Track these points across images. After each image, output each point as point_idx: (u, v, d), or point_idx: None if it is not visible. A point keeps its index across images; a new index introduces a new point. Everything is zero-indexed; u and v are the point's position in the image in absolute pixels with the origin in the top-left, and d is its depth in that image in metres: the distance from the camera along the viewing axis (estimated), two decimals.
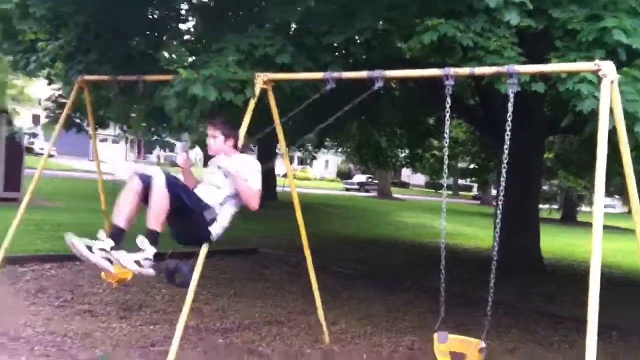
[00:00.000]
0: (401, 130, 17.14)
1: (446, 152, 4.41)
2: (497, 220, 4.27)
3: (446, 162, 4.46)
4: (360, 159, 25.18)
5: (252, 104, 5.41)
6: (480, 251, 14.55)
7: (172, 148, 51.94)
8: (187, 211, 4.19)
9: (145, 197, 4.15)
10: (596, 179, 3.63)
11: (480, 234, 18.69)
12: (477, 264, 11.33)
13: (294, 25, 7.39)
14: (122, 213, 4.18)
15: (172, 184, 4.10)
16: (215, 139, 4.62)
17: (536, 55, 5.34)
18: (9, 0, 6.74)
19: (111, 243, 4.00)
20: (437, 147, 21.00)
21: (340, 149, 34.50)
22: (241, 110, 6.07)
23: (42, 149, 48.00)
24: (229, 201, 4.53)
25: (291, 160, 9.93)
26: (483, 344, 3.85)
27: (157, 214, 4.05)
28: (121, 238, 4.17)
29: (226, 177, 4.47)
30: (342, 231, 17.19)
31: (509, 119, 4.03)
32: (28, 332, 5.32)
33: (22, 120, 41.79)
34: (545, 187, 29.60)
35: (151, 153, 61.84)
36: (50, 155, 9.00)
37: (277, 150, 30.26)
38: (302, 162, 67.46)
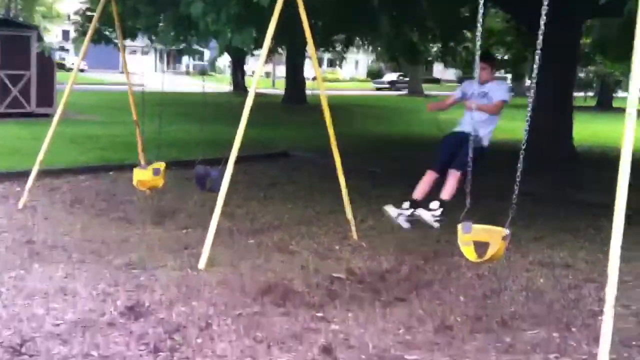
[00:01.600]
0: (433, 23, 16.56)
1: (479, 42, 4.25)
2: (528, 109, 4.15)
3: (478, 54, 4.33)
4: (391, 56, 24.68)
5: (279, 4, 5.27)
6: (513, 142, 14.36)
7: (201, 56, 51.66)
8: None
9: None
10: (633, 60, 3.47)
11: (514, 126, 18.39)
12: (508, 156, 11.19)
13: None
14: (420, 189, 5.38)
15: (463, 165, 4.66)
16: (485, 70, 5.51)
17: None
18: None
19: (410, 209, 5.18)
20: (470, 39, 20.38)
21: (370, 48, 33.79)
22: (263, 10, 5.94)
23: (73, 64, 48.28)
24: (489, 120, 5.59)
25: (320, 62, 9.77)
26: (507, 232, 3.86)
27: (452, 189, 5.14)
28: (418, 205, 5.22)
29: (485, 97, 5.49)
30: (373, 131, 17.12)
31: (545, 2, 3.81)
32: (65, 240, 5.52)
33: (52, 37, 41.95)
34: (581, 74, 28.78)
35: (180, 63, 61.61)
36: (81, 70, 8.99)
37: (305, 53, 29.86)
38: (331, 63, 66.46)
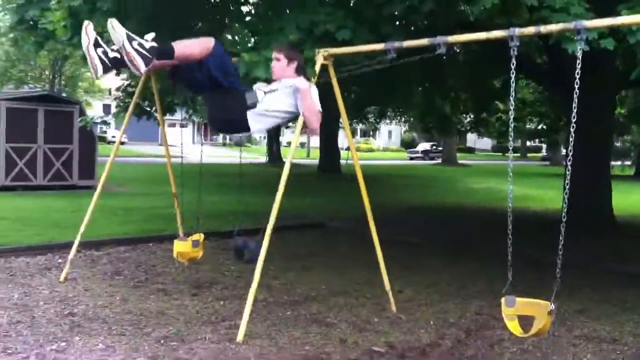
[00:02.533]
0: (465, 94, 16.78)
1: (512, 114, 4.32)
2: (566, 180, 4.14)
3: (512, 125, 4.37)
4: (424, 126, 24.92)
5: (314, 79, 5.42)
6: (550, 213, 14.20)
7: None
8: (221, 82, 4.06)
9: None
10: None
11: (550, 196, 18.25)
12: (547, 226, 11.07)
13: None
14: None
15: (220, 52, 4.03)
16: (279, 62, 4.64)
17: (605, 9, 5.12)
18: None
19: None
20: (503, 110, 20.53)
21: (403, 118, 34.18)
22: None
23: (114, 137, 49.75)
24: (276, 97, 4.50)
25: (354, 132, 9.88)
26: (552, 306, 3.78)
27: (188, 43, 3.94)
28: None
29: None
30: (407, 200, 17.09)
31: (578, 77, 3.88)
32: (106, 313, 5.55)
33: (94, 111, 43.46)
34: (617, 144, 28.55)
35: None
36: (122, 142, 9.32)
37: (339, 124, 30.30)
38: (364, 134, 67.21)
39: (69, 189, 15.38)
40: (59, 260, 7.57)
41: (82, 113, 16.23)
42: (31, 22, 8.38)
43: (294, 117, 4.87)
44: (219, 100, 4.08)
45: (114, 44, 3.73)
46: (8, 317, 5.31)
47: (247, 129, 4.29)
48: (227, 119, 4.24)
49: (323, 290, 6.69)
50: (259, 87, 4.24)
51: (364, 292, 6.63)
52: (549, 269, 4.30)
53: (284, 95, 4.55)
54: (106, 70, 3.54)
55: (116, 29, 3.46)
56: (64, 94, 35.95)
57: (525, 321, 3.95)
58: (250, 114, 4.24)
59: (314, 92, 4.57)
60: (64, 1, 7.11)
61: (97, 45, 3.57)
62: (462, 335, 5.29)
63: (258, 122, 4.32)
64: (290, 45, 4.69)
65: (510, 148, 4.49)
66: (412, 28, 7.73)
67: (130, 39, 3.45)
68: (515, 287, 3.99)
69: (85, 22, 3.62)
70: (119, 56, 3.53)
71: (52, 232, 9.23)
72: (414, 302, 6.32)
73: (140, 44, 3.47)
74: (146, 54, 3.47)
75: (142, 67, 3.47)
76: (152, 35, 3.62)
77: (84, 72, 44.15)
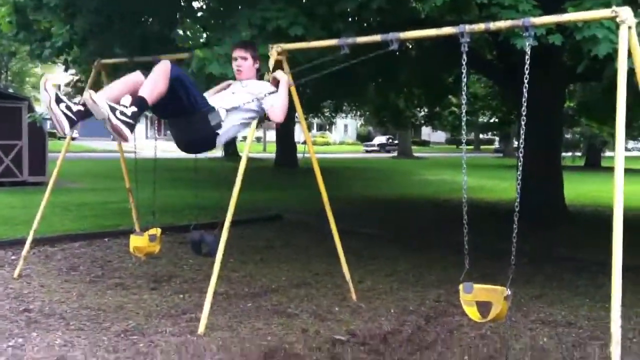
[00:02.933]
0: (419, 90, 16.97)
1: (464, 109, 4.42)
2: (519, 172, 4.25)
3: (464, 119, 4.47)
4: (379, 121, 25.10)
5: (269, 75, 5.42)
6: (504, 204, 14.51)
7: None
8: (187, 107, 3.86)
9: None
10: (617, 122, 3.62)
11: (503, 186, 18.65)
12: (500, 216, 11.31)
13: None
14: (109, 90, 3.61)
15: (180, 75, 3.78)
16: (246, 61, 4.47)
17: (551, 6, 5.25)
18: None
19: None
20: (456, 104, 20.84)
21: (358, 112, 34.36)
22: None
23: None
24: (238, 112, 4.26)
25: (310, 126, 9.89)
26: (508, 292, 3.87)
27: (152, 85, 3.58)
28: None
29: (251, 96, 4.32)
30: (364, 193, 17.22)
31: (527, 72, 3.98)
32: (63, 308, 5.46)
33: (43, 107, 42.44)
34: (568, 136, 29.31)
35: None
36: (73, 138, 9.11)
37: (295, 118, 30.29)
38: (321, 127, 67.36)
39: (19, 185, 14.99)
40: (12, 257, 7.39)
41: (30, 109, 15.80)
42: None
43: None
44: (183, 123, 3.99)
45: (74, 99, 3.62)
46: None
47: (213, 146, 4.22)
48: (192, 141, 4.14)
49: (283, 282, 6.71)
50: (221, 106, 4.16)
51: (324, 282, 6.68)
52: (504, 258, 4.42)
53: (249, 101, 4.41)
54: (72, 124, 3.41)
55: (98, 104, 3.31)
56: (10, 90, 34.96)
57: (483, 307, 4.05)
58: (220, 133, 4.12)
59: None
60: None
61: (58, 101, 3.43)
62: (422, 322, 5.38)
63: (224, 136, 4.21)
64: (251, 42, 4.61)
65: (463, 141, 4.59)
66: (365, 25, 7.76)
67: (113, 110, 3.39)
68: (471, 275, 4.08)
69: (43, 78, 3.43)
70: (82, 109, 3.42)
71: (4, 228, 9.00)
72: (374, 291, 6.40)
73: (122, 113, 3.40)
74: (130, 121, 3.41)
75: (129, 135, 3.43)
76: (128, 99, 3.53)
77: (31, 68, 43.13)
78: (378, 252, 8.52)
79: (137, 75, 3.68)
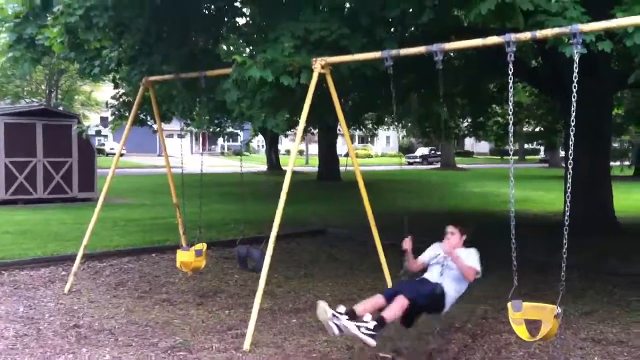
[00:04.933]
0: (462, 99, 16.81)
1: (511, 119, 4.37)
2: (567, 182, 4.17)
3: (511, 130, 4.41)
4: (421, 132, 24.93)
5: (311, 89, 5.45)
6: (551, 216, 14.22)
7: (235, 138, 52.71)
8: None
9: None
10: None
11: (550, 198, 18.27)
12: (548, 228, 11.10)
13: (347, 5, 7.38)
14: (362, 305, 4.53)
15: (414, 298, 4.44)
16: (454, 235, 5.06)
17: (600, 12, 5.13)
18: (74, 14, 6.99)
19: (345, 317, 4.27)
20: (500, 113, 20.56)
21: (400, 124, 34.21)
22: (295, 93, 6.14)
23: (112, 149, 49.78)
24: (447, 273, 4.83)
25: (352, 139, 9.91)
26: (558, 310, 3.79)
27: (393, 312, 4.35)
28: (354, 317, 4.34)
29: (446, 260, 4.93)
30: (407, 206, 17.10)
31: (575, 80, 3.91)
32: (112, 324, 5.56)
33: (91, 123, 43.50)
34: (615, 144, 28.59)
35: (215, 144, 63.08)
36: (121, 154, 9.40)
37: (337, 131, 30.32)
38: (362, 140, 67.27)
39: (69, 202, 15.39)
40: (62, 273, 7.58)
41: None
42: (29, 40, 8.41)
43: None
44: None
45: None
46: (14, 330, 5.32)
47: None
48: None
49: (327, 297, 6.68)
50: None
51: (369, 297, 6.62)
52: (553, 272, 4.34)
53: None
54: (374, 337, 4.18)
55: (346, 329, 4.19)
56: (60, 108, 35.94)
57: (532, 325, 3.97)
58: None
59: (474, 252, 4.93)
60: (60, 17, 7.13)
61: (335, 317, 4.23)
62: (469, 340, 5.30)
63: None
64: (462, 223, 5.20)
65: (511, 153, 4.51)
66: (407, 34, 7.76)
67: (359, 328, 4.17)
68: (519, 291, 4.01)
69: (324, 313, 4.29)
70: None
71: (54, 244, 9.22)
72: None
73: (366, 328, 4.18)
74: (373, 332, 4.16)
75: (373, 343, 4.18)
76: (369, 317, 4.27)
77: (80, 86, 44.28)
78: None
79: (378, 297, 4.59)
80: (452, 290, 4.71)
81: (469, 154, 65.00)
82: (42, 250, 8.71)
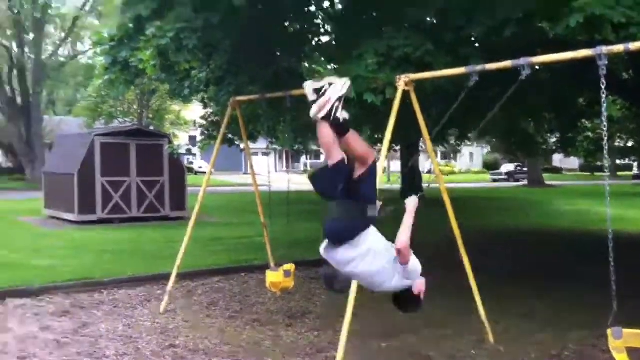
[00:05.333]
0: (550, 114, 16.30)
1: (605, 136, 4.25)
2: None
3: (606, 147, 4.28)
4: (507, 148, 24.35)
5: (396, 106, 5.46)
6: None
7: (317, 156, 53.20)
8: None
9: None
10: None
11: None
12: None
13: (430, 21, 7.38)
14: None
15: None
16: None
17: None
18: (165, 36, 7.33)
19: None
20: (590, 128, 19.85)
21: (485, 140, 33.57)
22: (379, 110, 6.17)
23: (200, 167, 51.31)
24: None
25: (434, 155, 9.84)
26: None
27: (357, 138, 3.71)
28: None
29: None
30: (494, 225, 16.73)
31: None
32: (205, 344, 5.73)
33: (180, 142, 45.10)
34: None
35: (299, 162, 63.91)
36: (205, 172, 9.80)
37: (419, 147, 30.06)
38: (445, 156, 66.40)
39: (161, 220, 15.94)
40: (158, 292, 7.87)
41: (169, 145, 16.87)
42: (123, 62, 8.85)
43: None
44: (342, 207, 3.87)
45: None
46: (115, 349, 5.57)
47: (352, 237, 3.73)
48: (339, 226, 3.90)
49: (416, 321, 6.63)
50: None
51: (458, 322, 6.54)
52: None
53: None
54: (325, 118, 3.60)
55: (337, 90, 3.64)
56: (151, 127, 37.41)
57: (635, 353, 3.81)
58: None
59: None
60: (153, 40, 7.47)
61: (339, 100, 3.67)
62: None
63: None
64: None
65: (606, 171, 4.38)
66: (491, 49, 7.67)
67: (339, 100, 3.63)
68: (618, 317, 3.86)
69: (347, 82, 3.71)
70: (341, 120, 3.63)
71: (149, 263, 9.59)
72: (511, 333, 6.18)
73: (338, 108, 3.62)
74: (334, 114, 3.58)
75: (321, 114, 3.58)
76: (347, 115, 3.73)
77: (170, 105, 45.99)
78: (512, 289, 8.23)
79: None
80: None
81: (557, 170, 62.86)
82: (138, 269, 9.07)
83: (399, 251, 3.58)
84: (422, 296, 3.79)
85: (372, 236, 3.66)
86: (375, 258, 3.59)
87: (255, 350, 5.57)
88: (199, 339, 5.91)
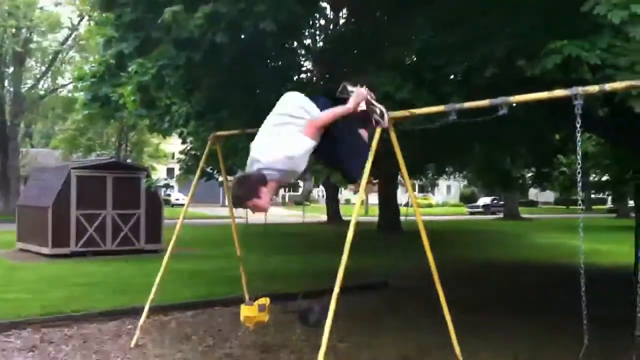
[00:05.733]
0: (526, 150, 16.53)
1: (579, 172, 4.34)
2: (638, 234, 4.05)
3: (579, 183, 4.37)
4: (484, 182, 24.59)
5: (374, 145, 5.50)
6: (622, 269, 13.67)
7: (296, 188, 53.30)
8: None
9: None
10: None
11: (621, 250, 17.61)
12: (618, 282, 10.67)
13: (410, 60, 7.50)
14: None
15: None
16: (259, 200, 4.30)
17: None
18: (147, 73, 7.35)
19: None
20: (565, 163, 20.15)
21: (461, 174, 33.90)
22: None
23: (177, 199, 51.02)
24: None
25: (412, 188, 9.90)
26: None
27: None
28: None
29: None
30: (471, 257, 16.80)
31: None
32: None
33: (159, 175, 45.00)
34: None
35: (276, 195, 64.00)
36: (182, 204, 9.72)
37: (398, 181, 30.22)
38: (422, 189, 66.83)
39: (135, 253, 15.75)
40: (129, 326, 7.73)
41: (147, 177, 16.77)
42: (104, 98, 8.87)
43: None
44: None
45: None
46: None
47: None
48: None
49: (391, 356, 6.59)
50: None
51: (434, 357, 6.50)
52: (626, 328, 4.16)
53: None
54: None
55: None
56: (129, 160, 37.24)
57: None
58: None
59: None
60: (134, 77, 7.50)
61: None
62: None
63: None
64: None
65: (580, 206, 4.43)
66: (471, 86, 7.80)
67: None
68: (591, 348, 3.87)
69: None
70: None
71: (121, 297, 9.44)
72: None
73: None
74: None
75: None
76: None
77: (149, 138, 45.88)
78: (489, 323, 8.22)
79: None
80: None
81: (533, 203, 63.57)
82: (110, 303, 8.91)
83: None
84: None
85: None
86: None
87: None
88: None
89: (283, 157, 4.23)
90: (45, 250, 15.24)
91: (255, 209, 3.96)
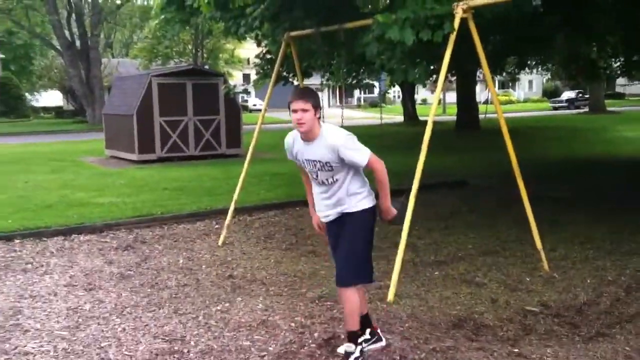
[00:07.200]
0: (614, 37, 15.55)
1: None
2: None
3: None
4: (568, 74, 23.51)
5: (452, 38, 5.33)
6: None
7: (371, 90, 52.79)
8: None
9: None
10: None
11: None
12: None
13: None
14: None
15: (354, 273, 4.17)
16: (307, 112, 3.79)
17: None
18: None
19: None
20: None
21: (544, 67, 32.45)
22: (440, 46, 6.01)
23: (254, 105, 51.57)
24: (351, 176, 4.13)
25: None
26: None
27: (350, 315, 3.91)
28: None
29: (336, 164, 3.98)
30: (554, 154, 16.37)
31: None
32: (263, 275, 5.90)
33: (235, 81, 45.39)
34: None
35: (352, 97, 63.49)
36: (259, 110, 9.81)
37: (476, 77, 29.31)
38: (503, 85, 64.68)
39: (218, 158, 16.22)
40: (216, 226, 8.09)
41: (225, 84, 16.96)
42: (178, 2, 8.84)
43: None
44: None
45: None
46: (176, 280, 5.80)
47: None
48: None
49: (470, 250, 6.66)
50: None
51: (513, 250, 6.52)
52: None
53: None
54: None
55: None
56: (206, 67, 37.63)
57: None
58: None
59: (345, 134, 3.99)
60: None
61: None
62: (622, 294, 5.09)
63: None
64: (312, 91, 3.95)
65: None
66: None
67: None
68: None
69: None
70: None
71: (207, 199, 9.82)
72: (568, 260, 6.13)
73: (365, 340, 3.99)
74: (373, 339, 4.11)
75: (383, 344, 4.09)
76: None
77: (224, 44, 46.00)
78: (571, 217, 8.11)
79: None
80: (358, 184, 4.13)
81: (620, 95, 60.51)
82: (197, 205, 9.30)
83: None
84: None
85: None
86: None
87: (312, 279, 5.71)
88: (256, 269, 6.09)
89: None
90: (133, 156, 15.91)
91: (302, 119, 3.77)
